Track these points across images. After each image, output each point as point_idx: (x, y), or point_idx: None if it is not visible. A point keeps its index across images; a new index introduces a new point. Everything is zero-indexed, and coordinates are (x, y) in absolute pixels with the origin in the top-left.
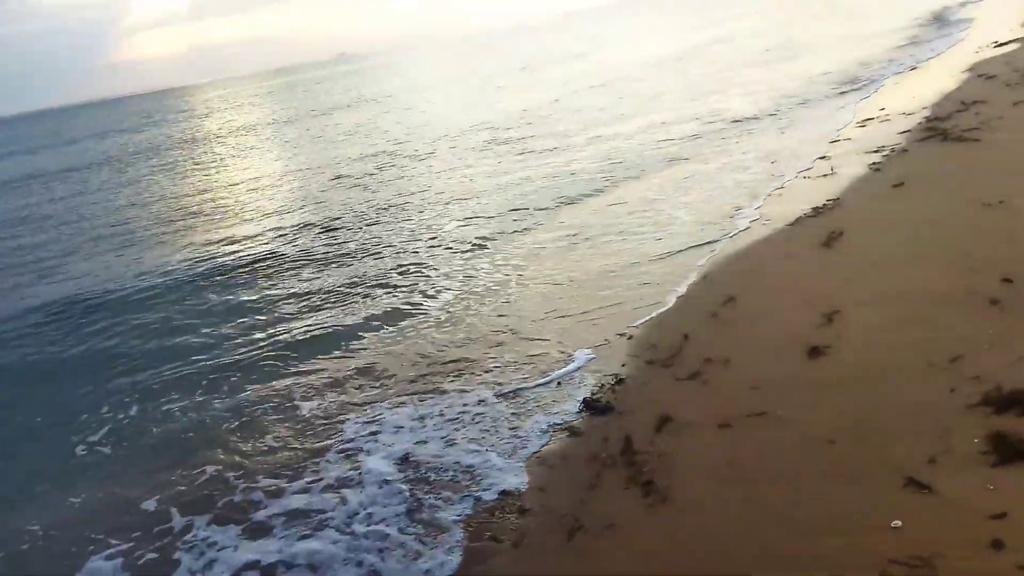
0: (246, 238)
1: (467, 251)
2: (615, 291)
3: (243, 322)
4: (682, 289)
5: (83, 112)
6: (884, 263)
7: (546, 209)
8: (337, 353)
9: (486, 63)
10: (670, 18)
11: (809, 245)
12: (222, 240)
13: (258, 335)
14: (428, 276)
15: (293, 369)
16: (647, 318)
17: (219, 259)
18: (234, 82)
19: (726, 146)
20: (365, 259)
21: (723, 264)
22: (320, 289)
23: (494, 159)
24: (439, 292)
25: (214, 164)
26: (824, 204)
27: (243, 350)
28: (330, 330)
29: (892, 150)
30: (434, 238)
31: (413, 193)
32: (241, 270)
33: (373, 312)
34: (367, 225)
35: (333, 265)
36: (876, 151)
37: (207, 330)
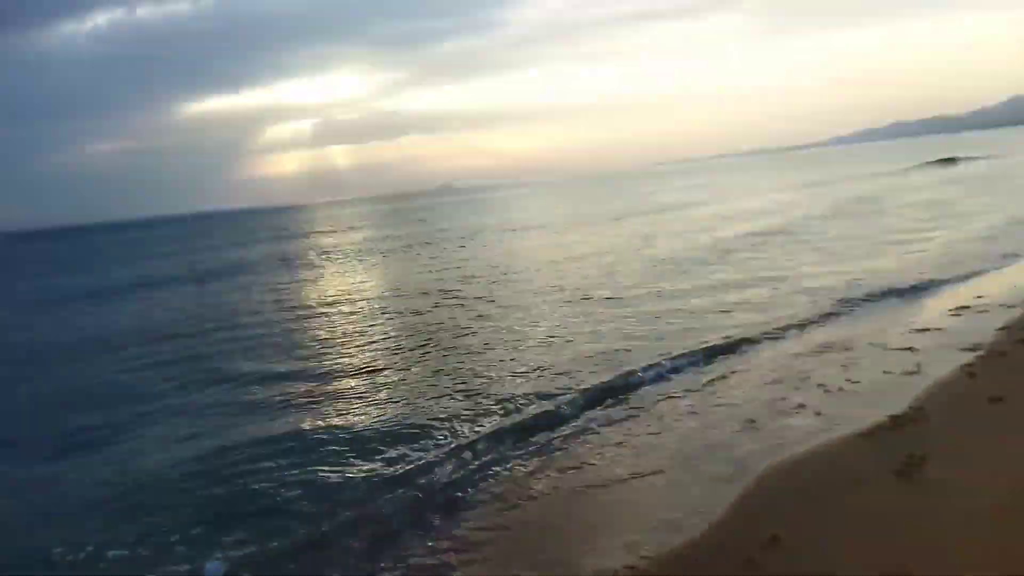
0: None
1: None
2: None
3: None
4: (714, 515)
5: (216, 219)
6: (978, 520)
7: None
8: None
9: (589, 204)
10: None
11: (882, 469)
12: None
13: None
14: None
15: None
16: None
17: None
18: (349, 203)
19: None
20: None
21: (770, 481)
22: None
23: None
24: None
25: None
26: (905, 412)
27: None
28: None
29: (989, 351)
30: None
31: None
32: None
33: None
34: None
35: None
36: (971, 349)
37: None
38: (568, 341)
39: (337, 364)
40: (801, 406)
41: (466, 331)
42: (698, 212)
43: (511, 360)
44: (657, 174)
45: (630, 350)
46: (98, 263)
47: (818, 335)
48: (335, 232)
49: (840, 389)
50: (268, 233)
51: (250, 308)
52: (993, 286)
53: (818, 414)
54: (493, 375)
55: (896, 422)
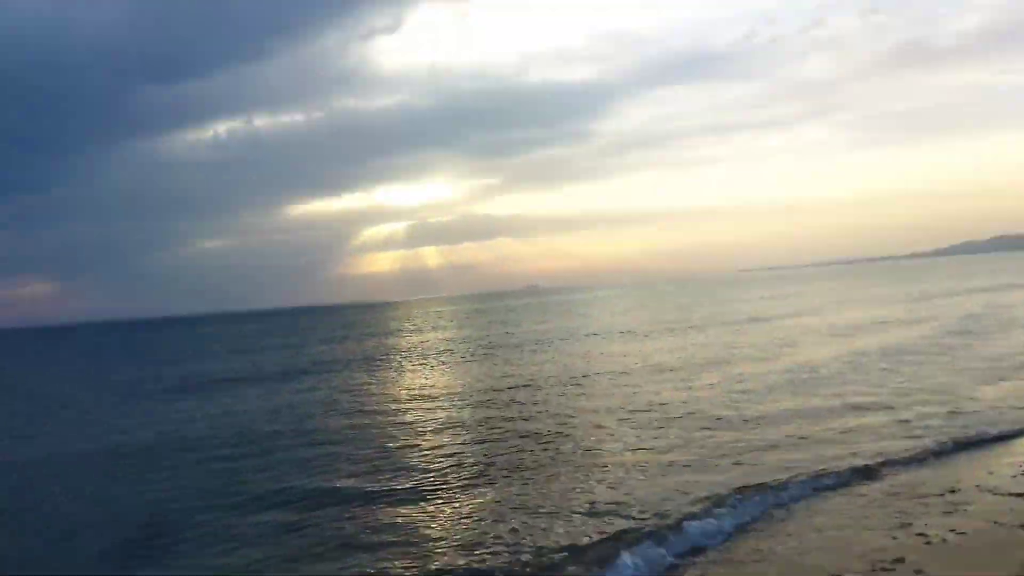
0: None
1: None
2: None
3: None
4: None
5: (317, 313)
6: None
7: None
8: None
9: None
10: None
11: None
12: None
13: None
14: None
15: None
16: None
17: None
18: (438, 301)
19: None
20: None
21: None
22: None
23: None
24: None
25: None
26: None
27: None
28: None
29: None
30: None
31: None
32: None
33: None
34: None
35: None
36: None
37: None
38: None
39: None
40: (898, 560)
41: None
42: (782, 324)
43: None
44: (742, 281)
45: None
46: (197, 353)
47: (912, 473)
48: (420, 331)
49: (944, 541)
50: (359, 330)
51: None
52: None
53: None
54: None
55: None
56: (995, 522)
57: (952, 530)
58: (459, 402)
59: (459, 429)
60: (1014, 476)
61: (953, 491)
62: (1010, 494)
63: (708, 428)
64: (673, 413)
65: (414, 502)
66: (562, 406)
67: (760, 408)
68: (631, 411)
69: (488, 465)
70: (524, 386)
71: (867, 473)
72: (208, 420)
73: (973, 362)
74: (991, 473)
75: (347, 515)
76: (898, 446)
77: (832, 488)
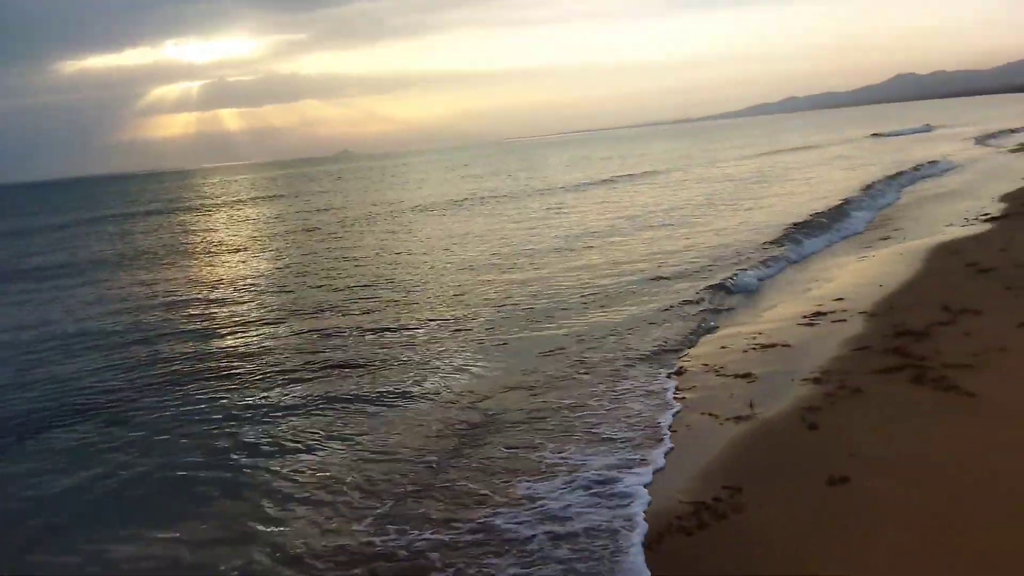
0: None
1: None
2: None
3: None
4: None
5: (101, 184)
6: None
7: None
8: None
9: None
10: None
11: None
12: None
13: None
14: None
15: None
16: None
17: None
18: (238, 169)
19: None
20: None
21: None
22: None
23: None
24: None
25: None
26: (718, 497)
27: None
28: None
29: (840, 386)
30: None
31: None
32: None
33: None
34: None
35: None
36: (815, 380)
37: None
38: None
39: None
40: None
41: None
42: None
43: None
44: (559, 143)
45: None
46: None
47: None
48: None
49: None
50: (141, 206)
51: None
52: (864, 278)
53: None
54: None
55: (698, 508)
56: (710, 414)
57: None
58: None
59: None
60: (744, 351)
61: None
62: (734, 375)
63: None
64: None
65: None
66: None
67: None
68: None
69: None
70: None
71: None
72: None
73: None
74: (723, 348)
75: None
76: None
77: None
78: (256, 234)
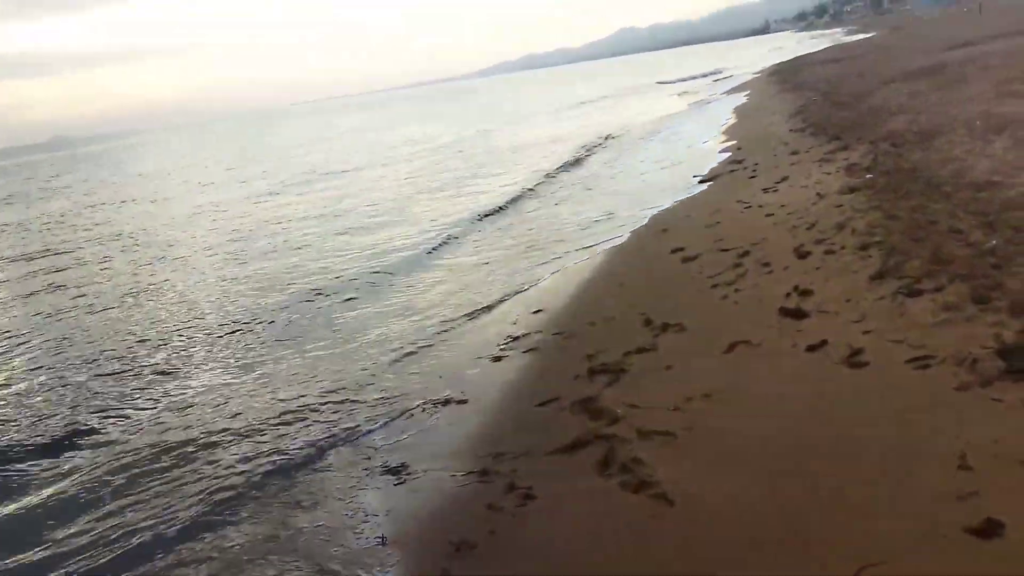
0: None
1: None
2: None
3: None
4: None
5: None
6: None
7: None
8: None
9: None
10: None
11: None
12: None
13: None
14: None
15: None
16: None
17: None
18: None
19: None
20: None
21: None
22: None
23: None
24: None
25: None
26: None
27: None
28: None
29: (509, 488)
30: None
31: None
32: None
33: None
34: None
35: None
36: (477, 474)
37: None
38: None
39: None
40: None
41: None
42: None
43: None
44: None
45: None
46: None
47: None
48: None
49: None
50: None
51: None
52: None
53: None
54: None
55: None
56: None
57: None
58: None
59: None
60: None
61: None
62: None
63: None
64: None
65: None
66: None
67: None
68: None
69: None
70: None
71: None
72: None
73: None
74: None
75: None
76: None
77: None
78: None
